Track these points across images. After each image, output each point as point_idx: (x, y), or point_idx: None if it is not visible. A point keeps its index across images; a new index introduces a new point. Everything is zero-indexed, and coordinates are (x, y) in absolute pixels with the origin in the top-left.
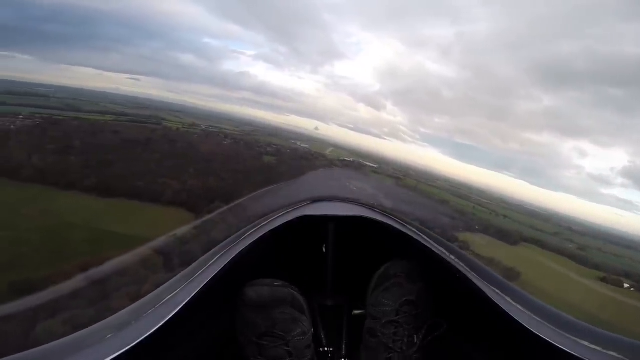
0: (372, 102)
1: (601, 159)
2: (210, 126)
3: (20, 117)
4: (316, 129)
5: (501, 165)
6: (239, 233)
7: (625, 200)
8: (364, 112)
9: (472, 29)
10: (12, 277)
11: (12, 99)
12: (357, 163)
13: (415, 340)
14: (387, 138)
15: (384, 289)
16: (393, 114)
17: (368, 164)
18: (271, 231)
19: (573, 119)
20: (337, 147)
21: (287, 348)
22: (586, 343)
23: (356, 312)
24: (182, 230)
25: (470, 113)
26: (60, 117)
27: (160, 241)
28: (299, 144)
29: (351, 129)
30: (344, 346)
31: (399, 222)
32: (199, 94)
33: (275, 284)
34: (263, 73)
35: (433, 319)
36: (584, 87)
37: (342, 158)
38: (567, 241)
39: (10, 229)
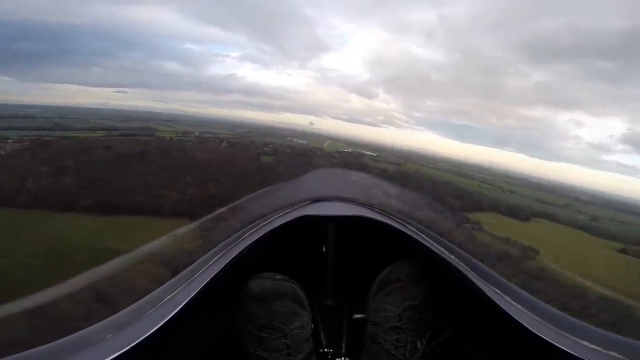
0: (363, 91)
1: (598, 128)
2: (204, 132)
3: (10, 141)
4: (311, 123)
5: (499, 141)
6: (238, 233)
7: (626, 165)
8: (356, 102)
9: (454, 10)
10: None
11: None
12: (355, 153)
13: (419, 346)
14: (383, 125)
15: (386, 294)
16: (386, 102)
17: (367, 152)
18: (271, 231)
19: (565, 92)
20: (334, 139)
21: (285, 340)
22: (586, 343)
23: (357, 316)
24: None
25: (462, 94)
26: (50, 138)
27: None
28: (295, 140)
29: (346, 120)
30: (343, 345)
31: (399, 222)
32: (188, 101)
33: (277, 277)
34: (250, 74)
35: (437, 324)
36: (571, 61)
37: (340, 150)
38: (577, 212)
39: (10, 256)
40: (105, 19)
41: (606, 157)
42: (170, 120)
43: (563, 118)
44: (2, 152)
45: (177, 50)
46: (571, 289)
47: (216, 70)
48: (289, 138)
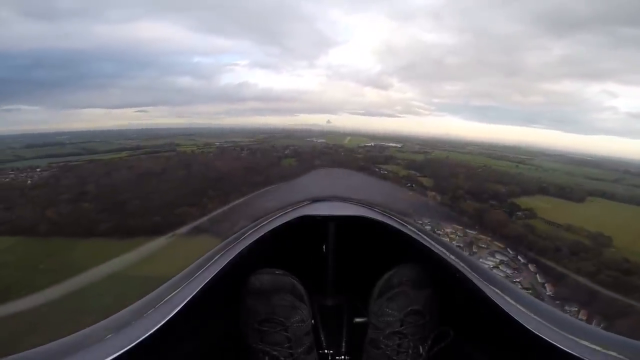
0: (377, 83)
1: (635, 97)
2: (225, 142)
3: (38, 169)
4: (328, 121)
5: (528, 119)
6: (238, 233)
7: None
8: (372, 95)
9: None
10: (33, 340)
11: (29, 152)
12: (379, 147)
13: (421, 351)
14: (402, 115)
15: (388, 298)
16: (402, 91)
17: (390, 144)
18: (271, 231)
19: (591, 63)
20: (353, 135)
21: (286, 334)
22: (586, 343)
23: (358, 320)
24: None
25: (480, 74)
26: (76, 163)
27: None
28: (315, 140)
29: (363, 114)
30: (343, 344)
31: (399, 222)
32: (206, 113)
33: (276, 272)
34: (262, 79)
35: (440, 328)
36: (591, 30)
37: (362, 144)
38: (633, 187)
39: (30, 287)
40: (110, 41)
41: None
42: (193, 134)
43: (594, 90)
44: (29, 181)
45: (187, 65)
46: None
47: (227, 79)
48: (308, 139)
